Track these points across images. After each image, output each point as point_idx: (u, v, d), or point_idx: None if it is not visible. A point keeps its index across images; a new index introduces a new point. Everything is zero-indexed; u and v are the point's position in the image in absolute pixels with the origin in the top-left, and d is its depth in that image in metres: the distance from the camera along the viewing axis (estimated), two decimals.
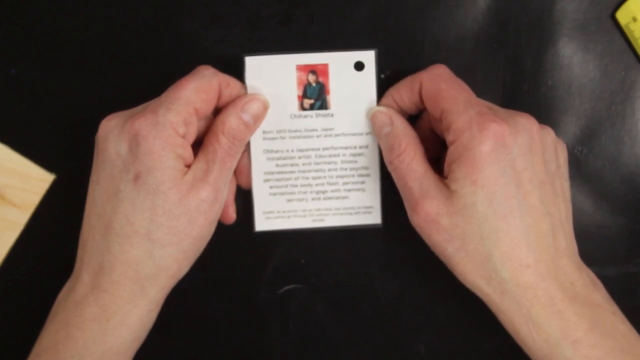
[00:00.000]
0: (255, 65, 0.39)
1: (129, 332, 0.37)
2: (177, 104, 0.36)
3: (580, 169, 0.43)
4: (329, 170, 0.41)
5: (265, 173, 0.41)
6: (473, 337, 0.43)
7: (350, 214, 0.42)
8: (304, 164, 0.41)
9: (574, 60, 0.42)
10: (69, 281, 0.38)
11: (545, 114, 0.42)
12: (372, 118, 0.40)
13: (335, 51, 0.40)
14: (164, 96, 0.37)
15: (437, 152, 0.40)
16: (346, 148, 0.41)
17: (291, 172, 0.41)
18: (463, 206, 0.35)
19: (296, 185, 0.41)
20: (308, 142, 0.41)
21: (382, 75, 0.41)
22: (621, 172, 0.43)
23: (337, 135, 0.41)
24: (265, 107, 0.39)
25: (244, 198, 0.42)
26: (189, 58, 0.41)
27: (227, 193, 0.39)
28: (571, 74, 0.42)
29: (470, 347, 0.44)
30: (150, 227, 0.35)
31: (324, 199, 0.41)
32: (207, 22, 0.42)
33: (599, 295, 0.36)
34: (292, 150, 0.41)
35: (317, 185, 0.41)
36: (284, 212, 0.42)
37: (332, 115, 0.40)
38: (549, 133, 0.37)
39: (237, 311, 0.43)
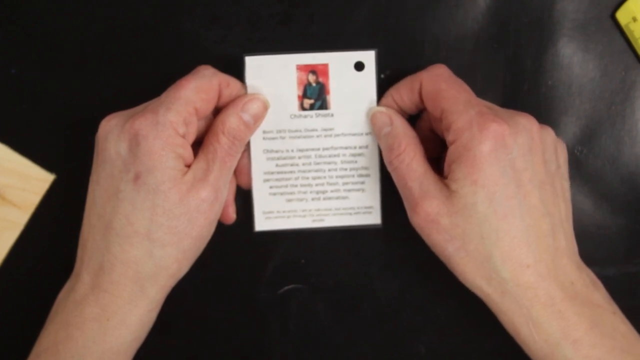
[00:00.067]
0: (256, 65, 0.39)
1: (129, 332, 0.37)
2: (177, 103, 0.36)
3: (580, 169, 0.43)
4: (329, 170, 0.41)
5: (265, 173, 0.41)
6: (473, 337, 0.43)
7: (350, 214, 0.42)
8: (304, 164, 0.41)
9: (574, 60, 0.42)
10: (69, 281, 0.38)
11: (545, 114, 0.42)
12: (372, 118, 0.40)
13: (335, 51, 0.40)
14: (164, 96, 0.37)
15: (437, 152, 0.40)
16: (346, 148, 0.41)
17: (291, 172, 0.41)
18: (463, 206, 0.35)
19: (296, 185, 0.41)
20: (308, 142, 0.41)
21: (382, 75, 0.41)
22: (621, 172, 0.43)
23: (337, 135, 0.41)
24: (265, 107, 0.39)
25: (244, 198, 0.42)
26: (189, 58, 0.41)
27: (227, 193, 0.39)
28: (571, 74, 0.42)
29: (470, 347, 0.44)
30: (150, 227, 0.35)
31: (324, 199, 0.41)
32: (207, 22, 0.42)
33: (599, 295, 0.36)
34: (292, 150, 0.41)
35: (317, 185, 0.41)
36: (283, 212, 0.42)
37: (332, 115, 0.40)
38: (549, 133, 0.37)
39: (237, 311, 0.43)
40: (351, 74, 0.40)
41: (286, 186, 0.41)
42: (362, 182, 0.41)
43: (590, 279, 0.37)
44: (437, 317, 0.43)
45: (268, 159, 0.41)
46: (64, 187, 0.42)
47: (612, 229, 0.43)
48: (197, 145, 0.38)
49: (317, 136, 0.41)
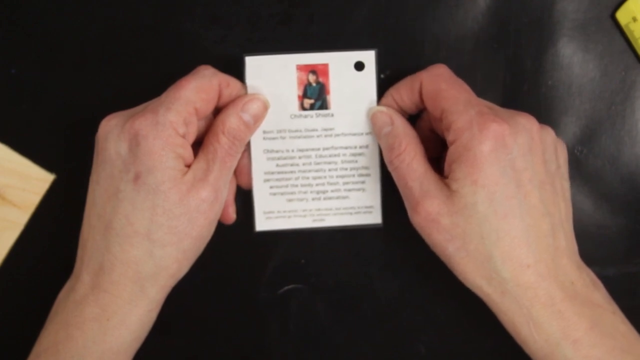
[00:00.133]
0: (256, 65, 0.39)
1: (129, 332, 0.37)
2: (177, 103, 0.36)
3: (580, 169, 0.43)
4: (329, 170, 0.41)
5: (266, 173, 0.41)
6: (473, 337, 0.43)
7: (351, 213, 0.42)
8: (304, 164, 0.41)
9: (574, 60, 0.42)
10: (69, 281, 0.38)
11: (545, 114, 0.42)
12: (372, 118, 0.40)
13: (335, 51, 0.40)
14: (164, 96, 0.37)
15: (437, 152, 0.40)
16: (346, 148, 0.41)
17: (291, 172, 0.41)
18: (463, 206, 0.35)
19: (296, 185, 0.41)
20: (308, 142, 0.41)
21: (382, 75, 0.41)
22: (621, 172, 0.43)
23: (338, 135, 0.41)
24: (265, 107, 0.39)
25: (244, 198, 0.42)
26: (189, 58, 0.41)
27: (227, 193, 0.39)
28: (571, 74, 0.42)
29: (470, 347, 0.44)
30: (150, 227, 0.35)
31: (324, 198, 0.41)
32: (207, 22, 0.42)
33: (599, 295, 0.36)
34: (293, 150, 0.41)
35: (317, 185, 0.41)
36: (284, 212, 0.42)
37: (333, 115, 0.40)
38: (549, 133, 0.37)
39: (237, 311, 0.43)
40: (351, 74, 0.40)
41: (286, 186, 0.41)
42: (363, 182, 0.41)
43: (590, 278, 0.37)
44: (437, 317, 0.43)
45: (268, 159, 0.41)
46: (64, 187, 0.42)
47: (612, 229, 0.43)
48: (197, 145, 0.38)
49: (318, 136, 0.41)
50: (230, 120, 0.38)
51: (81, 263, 0.37)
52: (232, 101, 0.39)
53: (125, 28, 0.42)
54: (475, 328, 0.43)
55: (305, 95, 0.40)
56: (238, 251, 0.43)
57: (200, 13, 0.41)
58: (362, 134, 0.41)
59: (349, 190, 0.41)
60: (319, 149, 0.41)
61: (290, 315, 0.43)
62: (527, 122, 0.36)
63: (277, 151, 0.41)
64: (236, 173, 0.41)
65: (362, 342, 0.44)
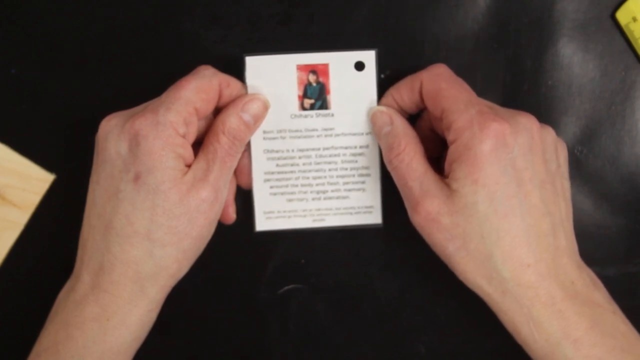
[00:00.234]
0: (256, 65, 0.39)
1: (129, 332, 0.37)
2: (177, 103, 0.36)
3: (580, 169, 0.43)
4: (330, 170, 0.41)
5: (266, 173, 0.41)
6: (473, 337, 0.43)
7: (351, 213, 0.42)
8: (304, 164, 0.41)
9: (574, 60, 0.42)
10: (69, 281, 0.38)
11: (545, 114, 0.42)
12: (372, 118, 0.40)
13: (335, 51, 0.40)
14: (164, 96, 0.37)
15: (437, 152, 0.40)
16: (346, 148, 0.41)
17: (291, 172, 0.41)
18: (464, 205, 0.35)
19: (296, 185, 0.41)
20: (308, 142, 0.41)
21: (382, 75, 0.41)
22: (621, 172, 0.43)
23: (338, 135, 0.41)
24: (265, 107, 0.39)
25: (244, 198, 0.42)
26: (189, 58, 0.41)
27: (227, 193, 0.39)
28: (571, 74, 0.42)
29: (470, 347, 0.44)
30: (150, 227, 0.35)
31: (325, 198, 0.41)
32: (207, 22, 0.42)
33: (599, 295, 0.36)
34: (293, 150, 0.41)
35: (317, 185, 0.41)
36: (284, 212, 0.42)
37: (333, 115, 0.40)
38: (549, 132, 0.37)
39: (237, 311, 0.43)
40: (351, 74, 0.40)
41: (287, 186, 0.41)
42: (363, 182, 0.41)
43: (590, 278, 0.37)
44: (437, 317, 0.43)
45: (268, 159, 0.41)
46: (64, 187, 0.42)
47: (612, 229, 0.43)
48: (198, 145, 0.38)
49: (318, 136, 0.41)
50: (231, 120, 0.38)
51: (81, 263, 0.37)
52: (232, 101, 0.39)
53: (125, 28, 0.42)
54: (475, 328, 0.43)
55: (305, 95, 0.40)
56: (238, 251, 0.43)
57: (200, 13, 0.42)
58: (362, 134, 0.41)
59: (349, 190, 0.41)
60: (319, 149, 0.41)
61: (290, 315, 0.43)
62: (527, 122, 0.36)
63: (277, 151, 0.41)
64: (236, 173, 0.41)
65: (362, 342, 0.44)
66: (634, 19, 0.40)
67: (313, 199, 0.41)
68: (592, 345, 0.34)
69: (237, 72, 0.39)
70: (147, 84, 0.39)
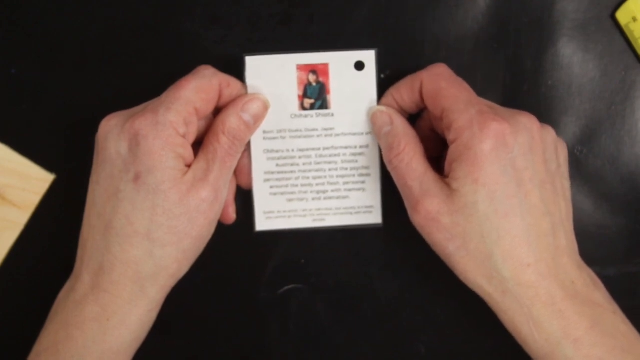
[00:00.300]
0: (256, 65, 0.39)
1: (129, 332, 0.36)
2: (177, 103, 0.36)
3: (580, 169, 0.43)
4: (330, 170, 0.41)
5: (266, 173, 0.41)
6: (473, 337, 0.43)
7: (351, 213, 0.42)
8: (304, 164, 0.41)
9: (574, 60, 0.42)
10: (69, 281, 0.38)
11: (545, 114, 0.42)
12: (372, 117, 0.40)
13: (335, 51, 0.40)
14: (164, 96, 0.37)
15: (437, 152, 0.40)
16: (346, 148, 0.41)
17: (291, 172, 0.41)
18: (464, 205, 0.35)
19: (296, 185, 0.41)
20: (308, 142, 0.41)
21: (382, 75, 0.41)
22: (621, 172, 0.43)
23: (338, 135, 0.41)
24: (265, 107, 0.39)
25: (244, 198, 0.42)
26: (189, 58, 0.41)
27: (227, 193, 0.39)
28: (571, 74, 0.42)
29: (470, 347, 0.44)
30: (150, 227, 0.35)
31: (325, 198, 0.41)
32: (207, 22, 0.42)
33: (600, 295, 0.36)
34: (293, 150, 0.41)
35: (317, 185, 0.41)
36: (284, 212, 0.42)
37: (333, 115, 0.40)
38: (549, 132, 0.37)
39: (237, 311, 0.43)
40: (351, 74, 0.40)
41: (287, 186, 0.41)
42: (363, 182, 0.41)
43: (590, 278, 0.37)
44: (437, 317, 0.43)
45: (268, 158, 0.41)
46: (64, 187, 0.42)
47: (612, 229, 0.43)
48: (198, 145, 0.38)
49: (318, 136, 0.41)
50: (231, 120, 0.38)
51: (81, 263, 0.37)
52: (232, 101, 0.39)
53: (125, 28, 0.42)
54: (475, 328, 0.43)
55: (305, 95, 0.40)
56: (238, 251, 0.43)
57: (200, 13, 0.42)
58: (362, 133, 0.41)
59: (349, 190, 0.41)
60: (319, 149, 0.41)
61: (290, 315, 0.43)
62: (527, 122, 0.36)
63: (277, 151, 0.41)
64: (236, 173, 0.41)
65: (362, 342, 0.44)
66: (634, 19, 0.40)
67: (313, 198, 0.41)
68: (592, 345, 0.34)
69: (237, 72, 0.39)
70: (147, 84, 0.39)
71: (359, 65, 0.40)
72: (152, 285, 0.36)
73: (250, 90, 0.40)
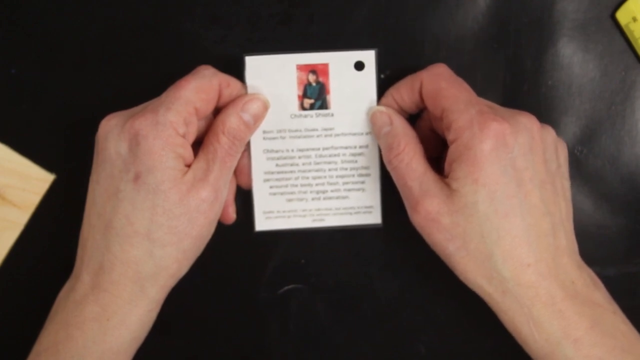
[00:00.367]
0: (256, 65, 0.39)
1: (129, 332, 0.37)
2: (177, 103, 0.36)
3: (580, 169, 0.43)
4: (329, 170, 0.41)
5: (266, 173, 0.41)
6: (473, 337, 0.43)
7: (351, 213, 0.42)
8: (304, 164, 0.41)
9: (574, 60, 0.42)
10: (69, 281, 0.38)
11: (545, 114, 0.42)
12: (371, 117, 0.40)
13: (335, 51, 0.40)
14: (164, 96, 0.37)
15: (437, 152, 0.40)
16: (346, 148, 0.41)
17: (291, 172, 0.41)
18: (464, 205, 0.35)
19: (296, 185, 0.41)
20: (308, 142, 0.41)
21: (382, 75, 0.41)
22: (621, 172, 0.43)
23: (337, 135, 0.41)
24: (265, 107, 0.39)
25: (244, 198, 0.42)
26: (189, 58, 0.41)
27: (227, 193, 0.39)
28: (571, 74, 0.42)
29: (470, 347, 0.44)
30: (150, 226, 0.35)
31: (324, 198, 0.41)
32: (207, 22, 0.42)
33: (600, 295, 0.36)
34: (292, 150, 0.41)
35: (317, 185, 0.41)
36: (284, 212, 0.42)
37: (332, 115, 0.40)
38: (549, 132, 0.37)
39: (237, 311, 0.43)
40: (351, 74, 0.40)
41: (286, 186, 0.41)
42: (362, 182, 0.41)
43: (590, 278, 0.37)
44: (437, 317, 0.43)
45: (268, 158, 0.41)
46: (64, 187, 0.42)
47: (612, 229, 0.43)
48: (197, 145, 0.38)
49: (317, 136, 0.41)
50: (230, 120, 0.38)
51: (81, 263, 0.37)
52: (232, 101, 0.39)
53: (125, 28, 0.42)
54: (475, 328, 0.43)
55: (305, 95, 0.40)
56: (238, 251, 0.43)
57: (200, 13, 0.42)
58: (362, 133, 0.41)
59: (349, 190, 0.41)
60: (318, 149, 0.41)
61: (290, 315, 0.43)
62: (527, 122, 0.36)
63: (277, 151, 0.41)
64: (236, 173, 0.41)
65: (362, 342, 0.44)
66: (634, 19, 0.40)
67: (313, 199, 0.41)
68: (592, 345, 0.34)
69: (237, 72, 0.39)
70: (147, 84, 0.39)
71: (359, 65, 0.40)
72: (152, 285, 0.36)
73: (250, 90, 0.40)
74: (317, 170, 0.41)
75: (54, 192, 0.42)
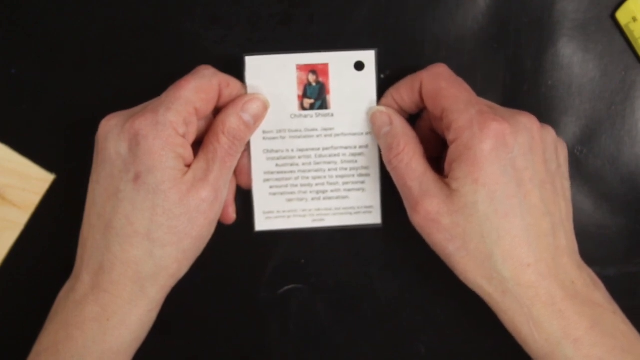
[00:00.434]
0: (256, 65, 0.39)
1: (129, 332, 0.37)
2: (177, 103, 0.36)
3: (580, 169, 0.43)
4: (329, 170, 0.41)
5: (265, 173, 0.41)
6: (473, 337, 0.43)
7: (350, 213, 0.42)
8: (304, 164, 0.41)
9: (574, 60, 0.42)
10: (69, 281, 0.38)
11: (545, 114, 0.42)
12: (371, 118, 0.40)
13: (335, 51, 0.40)
14: (164, 96, 0.37)
15: (437, 152, 0.40)
16: (346, 148, 0.41)
17: (291, 172, 0.41)
18: (464, 205, 0.35)
19: (296, 185, 0.41)
20: (308, 142, 0.41)
21: (382, 75, 0.41)
22: (621, 172, 0.43)
23: (337, 135, 0.41)
24: (265, 107, 0.39)
25: (244, 198, 0.42)
26: (189, 58, 0.41)
27: (227, 193, 0.39)
28: (571, 74, 0.42)
29: (470, 347, 0.44)
30: (150, 227, 0.35)
31: (324, 198, 0.41)
32: (207, 22, 0.42)
33: (600, 295, 0.36)
34: (292, 150, 0.41)
35: (317, 185, 0.41)
36: (284, 212, 0.42)
37: (332, 115, 0.40)
38: (549, 132, 0.37)
39: (237, 311, 0.43)
40: (351, 74, 0.40)
41: (286, 186, 0.41)
42: (362, 182, 0.41)
43: (590, 278, 0.37)
44: (437, 317, 0.43)
45: (268, 158, 0.41)
46: (64, 187, 0.42)
47: (612, 229, 0.43)
48: (197, 145, 0.38)
49: (317, 136, 0.41)
50: (230, 120, 0.38)
51: (81, 263, 0.37)
52: (232, 101, 0.39)
53: (125, 28, 0.42)
54: (475, 328, 0.43)
55: (305, 95, 0.40)
56: (238, 251, 0.43)
57: (200, 13, 0.42)
58: (362, 133, 0.41)
59: (349, 190, 0.41)
60: (318, 149, 0.41)
61: (290, 315, 0.43)
62: (527, 122, 0.36)
63: (277, 151, 0.41)
64: (236, 173, 0.41)
65: (362, 342, 0.44)
66: (634, 19, 0.40)
67: (313, 199, 0.41)
68: (592, 345, 0.34)
69: (237, 72, 0.39)
70: (147, 84, 0.39)
71: (359, 66, 0.40)
72: (152, 285, 0.36)
73: (250, 90, 0.40)
74: (317, 170, 0.41)
75: (54, 192, 0.42)
